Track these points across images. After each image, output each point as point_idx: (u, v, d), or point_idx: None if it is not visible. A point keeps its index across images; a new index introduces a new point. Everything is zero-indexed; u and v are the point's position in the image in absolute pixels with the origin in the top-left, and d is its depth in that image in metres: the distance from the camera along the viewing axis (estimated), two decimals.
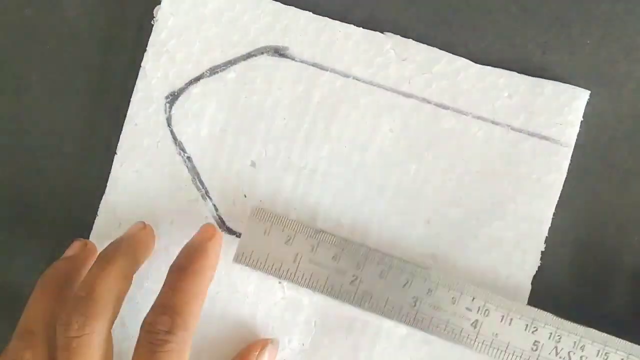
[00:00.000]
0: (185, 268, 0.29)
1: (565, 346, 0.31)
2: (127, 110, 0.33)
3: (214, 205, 0.33)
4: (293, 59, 0.33)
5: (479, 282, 0.33)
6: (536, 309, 0.31)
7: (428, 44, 0.33)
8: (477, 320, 0.31)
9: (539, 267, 0.33)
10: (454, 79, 0.33)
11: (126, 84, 0.34)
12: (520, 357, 0.31)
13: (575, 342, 0.31)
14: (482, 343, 0.31)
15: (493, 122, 0.33)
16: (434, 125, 0.33)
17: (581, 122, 0.33)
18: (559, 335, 0.31)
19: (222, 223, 0.33)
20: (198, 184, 0.33)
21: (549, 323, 0.31)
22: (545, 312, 0.31)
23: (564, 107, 0.33)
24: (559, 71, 0.33)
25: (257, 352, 0.31)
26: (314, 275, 0.31)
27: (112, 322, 0.29)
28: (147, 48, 0.33)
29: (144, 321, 0.28)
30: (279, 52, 0.33)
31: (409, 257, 0.33)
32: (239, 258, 0.32)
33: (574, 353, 0.31)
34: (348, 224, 0.33)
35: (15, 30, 0.35)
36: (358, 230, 0.33)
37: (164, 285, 0.29)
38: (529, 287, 0.33)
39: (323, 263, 0.31)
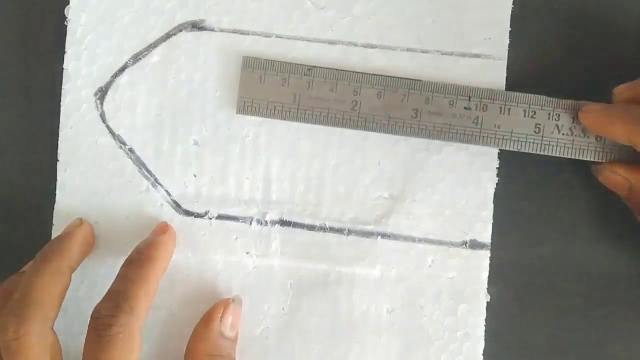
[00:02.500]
0: (134, 259, 0.30)
1: (565, 123, 0.32)
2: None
3: (166, 191, 0.33)
4: (212, 29, 0.33)
5: (440, 211, 0.33)
6: (530, 95, 0.32)
7: None
8: (477, 117, 0.32)
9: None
10: (375, 17, 0.33)
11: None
12: (526, 141, 0.32)
13: (573, 118, 0.31)
14: (487, 137, 0.32)
15: (422, 51, 0.33)
16: (365, 67, 0.33)
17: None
18: (557, 114, 0.32)
19: (178, 207, 0.33)
20: (145, 173, 0.33)
21: (545, 104, 0.32)
22: (540, 96, 0.32)
23: (489, 21, 0.33)
24: None
25: (220, 313, 0.32)
26: (315, 110, 0.32)
27: (52, 320, 0.29)
28: (65, 49, 0.33)
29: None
30: (197, 26, 0.33)
31: (367, 202, 0.33)
32: (241, 109, 0.32)
33: (575, 127, 0.31)
34: (302, 182, 0.33)
35: None
36: (313, 185, 0.33)
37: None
38: (491, 206, 0.33)
39: (321, 97, 0.32)
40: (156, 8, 0.33)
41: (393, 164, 0.33)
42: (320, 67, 0.32)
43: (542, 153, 0.32)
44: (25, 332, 0.27)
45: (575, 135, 0.31)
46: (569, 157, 0.31)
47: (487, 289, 0.33)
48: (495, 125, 0.32)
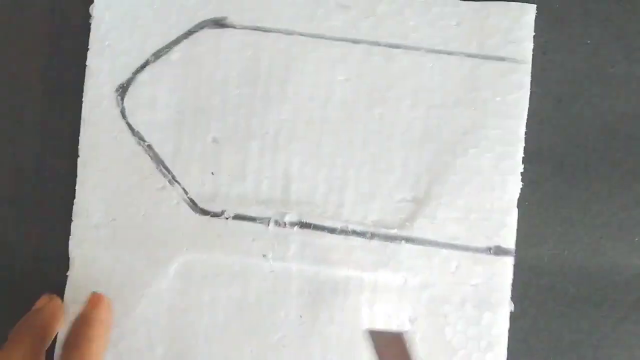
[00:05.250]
0: (70, 343, 0.29)
1: None
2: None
3: (183, 189, 0.32)
4: (234, 27, 0.33)
5: (465, 215, 0.32)
6: None
7: None
8: None
9: (521, 188, 0.32)
10: (399, 17, 0.33)
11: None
12: None
13: None
14: None
15: (447, 53, 0.33)
16: (389, 67, 0.33)
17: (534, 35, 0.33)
18: None
19: (194, 205, 0.32)
20: (163, 170, 0.33)
21: None
22: None
23: (513, 25, 0.32)
24: None
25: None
26: None
27: None
28: (89, 46, 0.33)
29: None
30: (219, 23, 0.33)
31: (391, 204, 0.32)
32: None
33: None
34: (324, 182, 0.32)
35: None
36: (335, 186, 0.32)
37: None
38: (516, 210, 0.32)
39: None
40: (178, 5, 0.33)
41: (419, 165, 0.32)
42: None
43: None
44: None
45: None
46: None
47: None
48: None
